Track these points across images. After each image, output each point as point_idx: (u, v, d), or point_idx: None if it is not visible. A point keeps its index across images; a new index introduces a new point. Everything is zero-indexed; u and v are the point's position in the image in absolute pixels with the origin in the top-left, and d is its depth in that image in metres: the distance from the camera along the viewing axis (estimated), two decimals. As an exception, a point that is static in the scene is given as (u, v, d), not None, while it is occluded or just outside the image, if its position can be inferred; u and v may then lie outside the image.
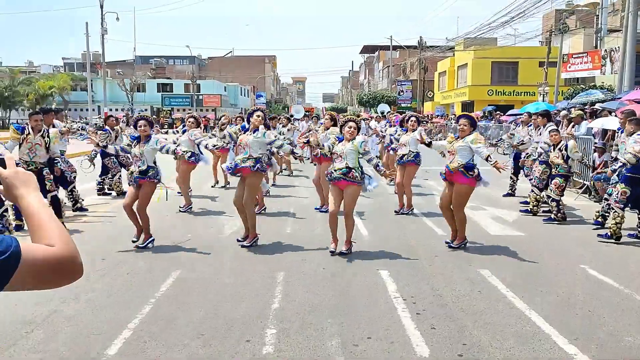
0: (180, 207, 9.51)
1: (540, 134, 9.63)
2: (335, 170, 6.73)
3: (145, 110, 55.15)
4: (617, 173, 7.79)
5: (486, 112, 31.92)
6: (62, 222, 7.84)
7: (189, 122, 10.11)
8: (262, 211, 9.25)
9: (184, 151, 9.14)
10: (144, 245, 6.97)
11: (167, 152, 7.25)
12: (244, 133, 7.23)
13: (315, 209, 9.59)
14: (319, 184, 9.51)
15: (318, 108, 65.84)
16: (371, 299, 5.11)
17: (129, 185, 7.18)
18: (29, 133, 7.92)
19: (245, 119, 7.96)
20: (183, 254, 6.72)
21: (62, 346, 4.07)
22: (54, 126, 9.36)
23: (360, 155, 6.71)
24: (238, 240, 7.15)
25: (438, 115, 40.41)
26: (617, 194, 7.44)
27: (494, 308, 4.88)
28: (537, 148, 9.31)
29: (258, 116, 7.22)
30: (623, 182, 7.45)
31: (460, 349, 4.05)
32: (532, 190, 9.26)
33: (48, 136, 8.09)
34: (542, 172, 9.11)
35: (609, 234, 7.41)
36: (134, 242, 7.00)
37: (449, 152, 7.04)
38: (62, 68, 69.94)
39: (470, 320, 4.58)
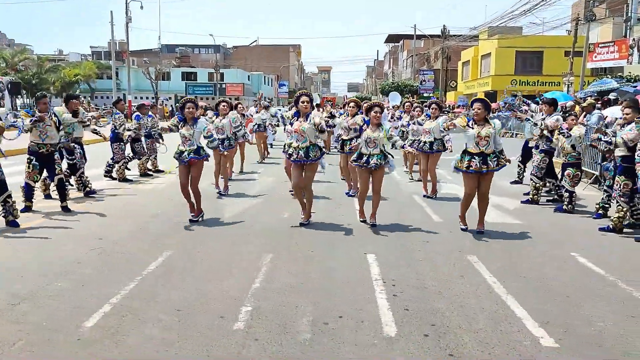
0: (219, 191, 9.87)
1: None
2: (371, 157, 7.11)
3: (169, 98, 55.81)
4: (613, 164, 7.62)
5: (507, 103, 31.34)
6: (66, 204, 8.13)
7: (222, 107, 10.18)
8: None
9: (220, 139, 9.86)
10: (196, 219, 7.52)
11: (209, 139, 7.95)
12: (296, 120, 7.24)
13: (346, 193, 9.76)
14: (347, 170, 9.79)
15: (340, 97, 65.74)
16: (352, 281, 5.17)
17: (179, 164, 7.54)
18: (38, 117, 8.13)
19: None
20: (178, 235, 6.87)
21: (44, 319, 4.23)
22: (77, 112, 9.51)
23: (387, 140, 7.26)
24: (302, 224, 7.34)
25: (460, 105, 39.92)
26: (619, 186, 7.28)
27: (472, 292, 4.90)
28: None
29: (306, 102, 7.19)
30: (622, 174, 7.29)
31: (427, 329, 4.09)
32: (531, 179, 9.18)
33: (56, 115, 8.30)
34: (540, 161, 9.00)
35: (610, 226, 7.27)
36: (192, 221, 7.48)
37: (478, 137, 6.90)
38: (90, 56, 71.07)
39: (445, 303, 4.61)
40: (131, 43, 41.80)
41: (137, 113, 11.73)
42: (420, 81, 52.42)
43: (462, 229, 7.17)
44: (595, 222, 7.82)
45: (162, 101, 50.78)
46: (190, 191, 7.53)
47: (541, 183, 9.09)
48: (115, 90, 43.36)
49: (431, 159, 9.72)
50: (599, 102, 12.43)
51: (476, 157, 6.87)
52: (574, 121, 8.65)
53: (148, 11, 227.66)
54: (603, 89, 16.43)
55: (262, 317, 4.28)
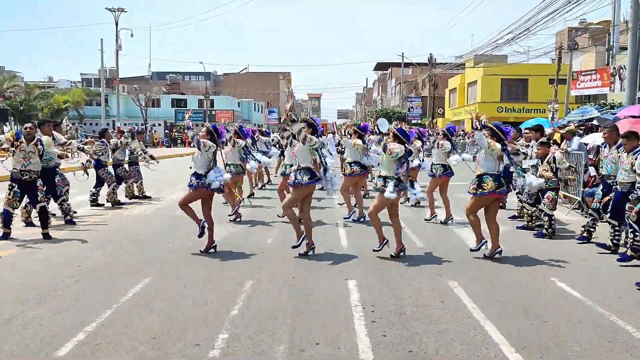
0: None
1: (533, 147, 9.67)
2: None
3: (159, 125, 55.87)
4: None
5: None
6: (47, 232, 8.05)
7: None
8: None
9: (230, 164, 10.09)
10: (210, 249, 7.35)
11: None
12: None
13: (345, 218, 9.91)
14: (346, 194, 10.08)
15: (330, 123, 66.12)
16: (331, 307, 5.15)
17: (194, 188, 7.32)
18: (22, 141, 8.13)
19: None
20: (158, 262, 6.82)
21: (16, 346, 4.17)
22: (54, 138, 9.59)
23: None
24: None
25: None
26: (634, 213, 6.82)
27: (451, 317, 4.89)
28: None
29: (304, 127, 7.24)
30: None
31: (405, 355, 4.07)
32: (524, 206, 9.25)
33: (42, 144, 8.30)
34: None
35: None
36: (204, 251, 7.31)
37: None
38: (80, 83, 71.21)
39: (423, 329, 4.60)
40: (122, 70, 42.17)
41: (102, 139, 11.68)
42: (408, 108, 53.07)
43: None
44: (576, 245, 7.88)
45: (151, 127, 50.81)
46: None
47: (533, 210, 9.15)
48: (105, 116, 43.46)
49: (442, 184, 9.98)
50: (580, 129, 12.63)
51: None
52: (543, 149, 8.70)
53: (139, 39, 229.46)
54: (585, 117, 16.68)
55: (239, 344, 4.24)
